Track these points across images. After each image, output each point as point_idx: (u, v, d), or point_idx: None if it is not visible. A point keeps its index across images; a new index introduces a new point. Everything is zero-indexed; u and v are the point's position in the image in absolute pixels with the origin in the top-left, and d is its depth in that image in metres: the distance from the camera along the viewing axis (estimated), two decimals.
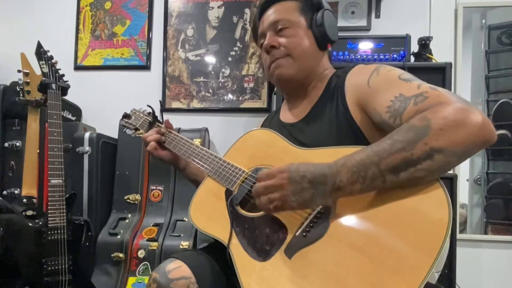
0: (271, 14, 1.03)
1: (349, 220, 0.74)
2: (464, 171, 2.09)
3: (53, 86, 1.47)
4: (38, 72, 1.52)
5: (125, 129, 1.31)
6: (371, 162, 0.69)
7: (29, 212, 1.44)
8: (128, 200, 1.96)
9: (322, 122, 0.96)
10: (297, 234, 0.78)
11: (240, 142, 1.05)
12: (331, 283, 0.70)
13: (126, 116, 1.30)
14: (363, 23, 2.17)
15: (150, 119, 1.24)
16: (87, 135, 1.90)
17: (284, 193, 0.73)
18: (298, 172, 0.73)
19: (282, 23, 1.01)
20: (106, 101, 2.30)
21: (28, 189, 1.57)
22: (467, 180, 2.12)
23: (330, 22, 1.02)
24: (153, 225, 1.87)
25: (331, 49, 1.08)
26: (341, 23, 2.15)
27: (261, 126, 1.21)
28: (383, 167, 0.69)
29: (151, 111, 1.26)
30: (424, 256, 0.63)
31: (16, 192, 1.84)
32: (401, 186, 0.70)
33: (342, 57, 1.77)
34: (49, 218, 1.39)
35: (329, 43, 1.05)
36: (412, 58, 1.75)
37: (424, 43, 1.73)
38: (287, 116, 1.09)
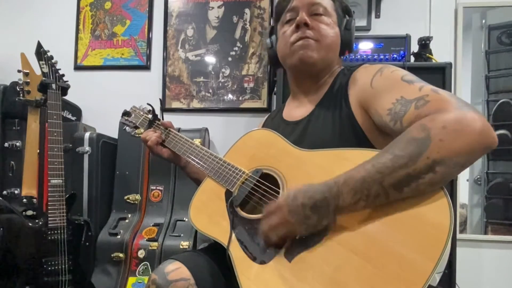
0: None
1: (349, 224, 0.73)
2: (464, 171, 2.08)
3: (53, 86, 1.47)
4: (38, 72, 1.52)
5: (124, 127, 1.30)
6: (373, 180, 0.68)
7: (29, 212, 1.44)
8: (128, 200, 1.96)
9: (325, 121, 0.95)
10: (297, 237, 0.78)
11: (240, 143, 1.05)
12: (331, 286, 0.69)
13: (126, 113, 1.29)
14: (363, 23, 2.17)
15: (150, 117, 1.23)
16: (87, 135, 1.90)
17: (289, 227, 0.75)
18: (297, 202, 0.73)
19: (319, 8, 0.99)
20: (106, 101, 2.30)
21: (28, 189, 1.57)
22: (467, 180, 2.12)
23: (354, 32, 1.04)
24: (153, 225, 1.88)
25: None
26: None
27: (263, 125, 1.20)
28: (386, 184, 0.68)
29: (151, 108, 1.25)
30: (425, 261, 0.63)
31: (16, 192, 1.85)
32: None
33: (342, 57, 1.77)
34: (49, 218, 1.39)
35: (348, 51, 1.06)
36: (412, 58, 1.75)
37: (424, 43, 1.73)
38: (290, 113, 1.08)
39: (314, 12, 0.99)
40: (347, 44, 1.04)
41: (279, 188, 0.88)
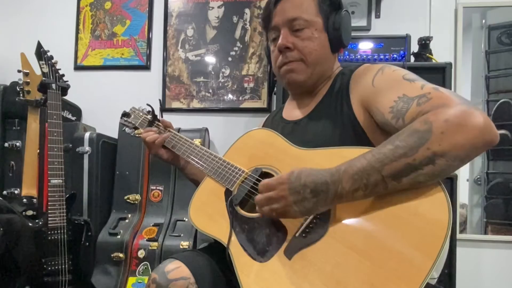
0: (288, 9, 0.97)
1: (349, 221, 0.74)
2: (464, 171, 2.09)
3: (53, 86, 1.47)
4: (38, 72, 1.52)
5: (124, 128, 1.31)
6: (373, 168, 0.69)
7: (29, 212, 1.44)
8: (128, 200, 1.96)
9: (325, 120, 0.95)
10: (296, 235, 0.78)
11: (240, 142, 1.05)
12: (331, 284, 0.70)
13: (125, 114, 1.29)
14: (363, 23, 2.17)
15: (149, 118, 1.24)
16: (87, 135, 1.90)
17: (286, 203, 0.74)
18: (300, 181, 0.73)
19: (299, 23, 0.96)
20: (106, 101, 2.30)
21: (28, 189, 1.57)
22: (467, 180, 2.12)
23: (346, 25, 0.99)
24: (153, 225, 1.87)
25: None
26: None
27: (263, 125, 1.21)
28: (385, 173, 0.69)
29: (150, 109, 1.25)
30: (424, 258, 0.63)
31: (16, 192, 1.84)
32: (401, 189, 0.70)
33: (342, 57, 1.77)
34: (49, 218, 1.39)
35: (342, 48, 1.03)
36: (412, 58, 1.76)
37: (424, 43, 1.73)
38: (290, 113, 1.08)
39: (295, 28, 0.97)
40: (339, 43, 1.00)
41: None
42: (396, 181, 0.69)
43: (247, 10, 2.28)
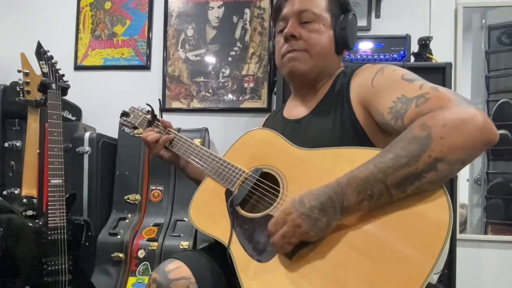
0: (299, 1, 0.99)
1: (349, 222, 0.73)
2: (464, 171, 2.09)
3: (53, 86, 1.47)
4: (38, 72, 1.52)
5: (123, 127, 1.30)
6: (376, 179, 0.69)
7: (29, 212, 1.44)
8: (128, 200, 1.96)
9: (325, 120, 0.95)
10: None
11: (240, 142, 1.05)
12: (332, 283, 0.70)
13: (124, 114, 1.28)
14: (363, 23, 2.17)
15: (149, 118, 1.23)
16: (87, 135, 1.90)
17: (301, 231, 0.73)
18: (304, 205, 0.73)
19: (308, 15, 0.98)
20: (106, 101, 2.30)
21: (28, 189, 1.57)
22: (467, 180, 2.12)
23: (353, 28, 1.01)
24: (153, 225, 1.88)
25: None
26: None
27: (264, 124, 1.21)
28: (389, 183, 0.68)
29: (150, 109, 1.25)
30: (425, 257, 0.63)
31: (16, 192, 1.84)
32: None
33: (342, 55, 1.77)
34: (49, 218, 1.39)
35: (346, 49, 1.04)
36: (412, 58, 1.75)
37: (424, 43, 1.73)
38: (291, 112, 1.08)
39: (303, 20, 0.98)
40: (344, 43, 1.01)
41: (279, 187, 0.88)
42: (400, 190, 0.68)
43: (247, 10, 2.28)
